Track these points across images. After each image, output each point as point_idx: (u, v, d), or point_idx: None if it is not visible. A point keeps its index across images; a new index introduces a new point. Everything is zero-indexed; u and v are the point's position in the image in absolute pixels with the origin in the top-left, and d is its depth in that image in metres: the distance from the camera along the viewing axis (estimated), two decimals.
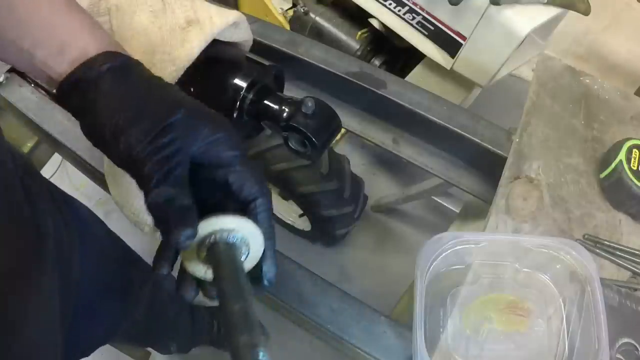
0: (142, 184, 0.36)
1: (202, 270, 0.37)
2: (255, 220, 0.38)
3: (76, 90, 0.39)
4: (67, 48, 0.39)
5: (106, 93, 0.38)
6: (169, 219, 0.34)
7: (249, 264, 0.38)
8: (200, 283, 0.39)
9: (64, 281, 0.59)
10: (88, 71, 0.39)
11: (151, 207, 0.35)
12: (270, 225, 0.40)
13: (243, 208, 0.39)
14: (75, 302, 0.62)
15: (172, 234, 0.34)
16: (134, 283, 0.86)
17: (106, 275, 0.74)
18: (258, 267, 0.39)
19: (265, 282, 0.40)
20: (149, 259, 0.41)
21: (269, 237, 0.39)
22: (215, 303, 0.35)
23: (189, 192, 0.36)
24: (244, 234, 0.37)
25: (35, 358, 0.47)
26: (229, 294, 0.33)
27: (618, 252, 0.66)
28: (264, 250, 0.39)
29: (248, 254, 0.38)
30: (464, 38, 1.11)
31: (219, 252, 0.36)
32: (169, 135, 0.36)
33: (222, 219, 0.36)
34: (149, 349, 1.36)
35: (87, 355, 0.72)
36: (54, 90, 0.41)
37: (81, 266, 0.64)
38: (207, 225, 0.36)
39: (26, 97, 0.87)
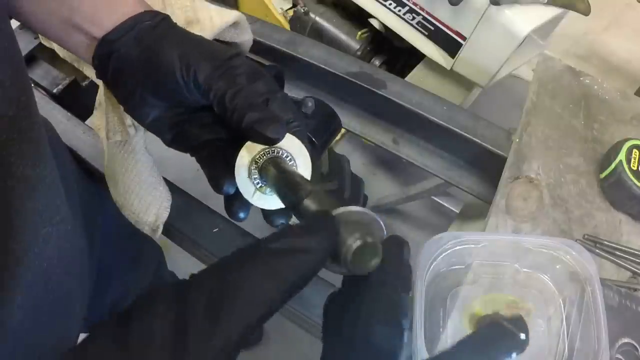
0: (221, 102, 0.39)
1: (251, 190, 0.41)
2: None
3: (124, 40, 0.43)
4: (115, 5, 0.43)
5: (166, 39, 0.42)
6: (265, 116, 0.38)
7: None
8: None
9: (90, 239, 0.61)
10: (143, 20, 0.43)
11: (248, 107, 0.38)
12: (306, 143, 0.43)
13: None
14: (97, 263, 0.66)
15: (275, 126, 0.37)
16: (143, 254, 0.91)
17: (120, 241, 0.77)
18: None
19: None
20: None
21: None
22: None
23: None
24: (290, 150, 0.40)
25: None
26: (289, 189, 0.36)
27: (618, 252, 0.66)
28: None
29: (296, 167, 0.41)
30: (464, 38, 1.11)
31: (271, 162, 0.39)
32: (234, 63, 0.41)
33: None
34: None
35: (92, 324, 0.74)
36: (93, 50, 0.43)
37: (101, 228, 0.68)
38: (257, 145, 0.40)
39: None
